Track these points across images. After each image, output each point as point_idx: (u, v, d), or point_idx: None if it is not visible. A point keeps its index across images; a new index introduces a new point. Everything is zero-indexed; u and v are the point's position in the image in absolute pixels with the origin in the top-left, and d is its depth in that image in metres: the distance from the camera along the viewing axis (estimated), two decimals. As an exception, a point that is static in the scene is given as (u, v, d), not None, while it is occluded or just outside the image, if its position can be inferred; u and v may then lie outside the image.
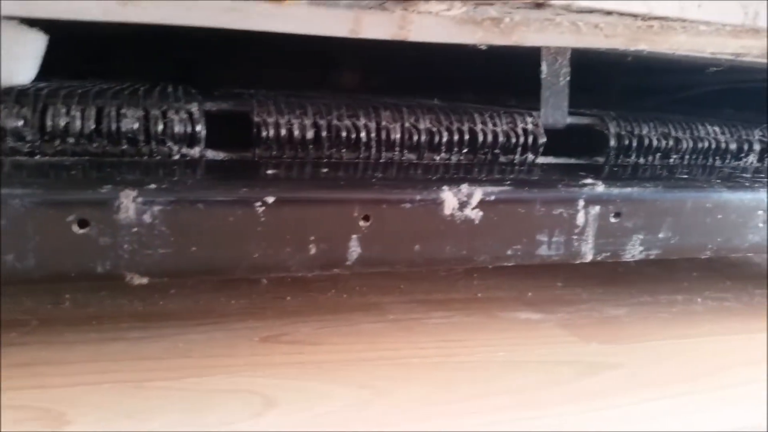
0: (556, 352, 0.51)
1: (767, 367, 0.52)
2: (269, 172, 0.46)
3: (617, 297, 0.66)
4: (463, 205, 0.47)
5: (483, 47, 0.47)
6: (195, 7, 0.41)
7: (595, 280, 0.71)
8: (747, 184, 0.56)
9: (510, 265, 0.50)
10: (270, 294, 0.59)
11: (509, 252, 0.49)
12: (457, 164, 0.56)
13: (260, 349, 0.48)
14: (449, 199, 0.46)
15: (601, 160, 0.62)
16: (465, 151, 0.57)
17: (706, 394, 0.46)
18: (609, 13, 0.49)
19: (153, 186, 0.41)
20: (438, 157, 0.56)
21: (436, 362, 0.48)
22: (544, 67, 0.58)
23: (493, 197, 0.48)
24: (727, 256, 0.57)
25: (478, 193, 0.47)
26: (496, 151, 0.58)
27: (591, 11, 0.48)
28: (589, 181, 0.51)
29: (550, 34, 0.47)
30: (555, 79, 0.59)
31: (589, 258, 0.52)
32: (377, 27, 0.44)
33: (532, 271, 0.71)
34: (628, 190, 0.51)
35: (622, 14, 0.49)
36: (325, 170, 0.48)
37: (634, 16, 0.50)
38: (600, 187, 0.51)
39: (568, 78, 0.59)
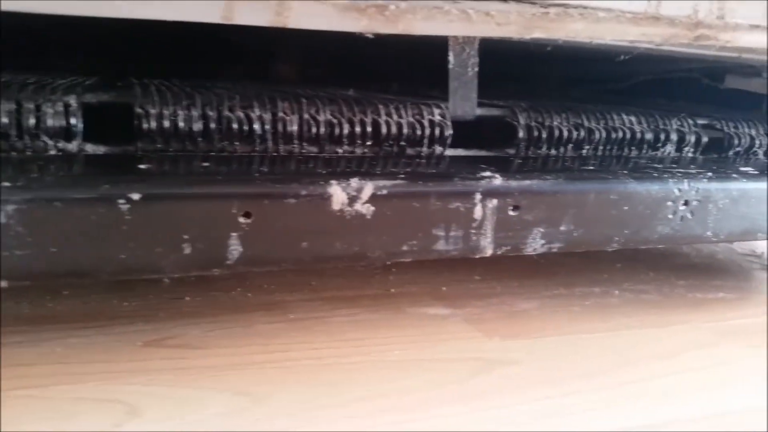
0: (455, 348, 0.50)
1: (676, 360, 0.52)
2: (142, 166, 0.43)
3: (532, 290, 0.65)
4: (352, 200, 0.45)
5: (370, 36, 0.45)
6: (51, -8, 0.39)
7: (513, 273, 0.69)
8: (655, 174, 0.55)
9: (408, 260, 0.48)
10: (168, 294, 0.57)
11: (405, 248, 0.48)
12: (360, 157, 0.54)
13: (140, 354, 0.46)
14: (337, 193, 0.44)
15: (512, 151, 0.61)
16: (369, 143, 0.55)
17: (602, 392, 0.45)
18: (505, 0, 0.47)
19: (8, 184, 0.38)
20: (341, 150, 0.54)
21: (327, 364, 0.46)
22: (451, 57, 0.56)
23: (385, 191, 0.46)
24: (637, 248, 0.55)
25: (369, 188, 0.45)
26: (402, 143, 0.56)
27: (486, -2, 0.47)
28: (487, 174, 0.49)
29: (439, 22, 0.46)
30: (463, 69, 0.57)
31: (489, 252, 0.50)
32: (252, 13, 0.42)
33: (450, 264, 0.70)
34: (527, 182, 0.50)
35: (520, 1, 0.48)
36: (206, 164, 0.46)
37: (532, 3, 0.48)
38: (498, 180, 0.49)
39: (476, 68, 0.57)
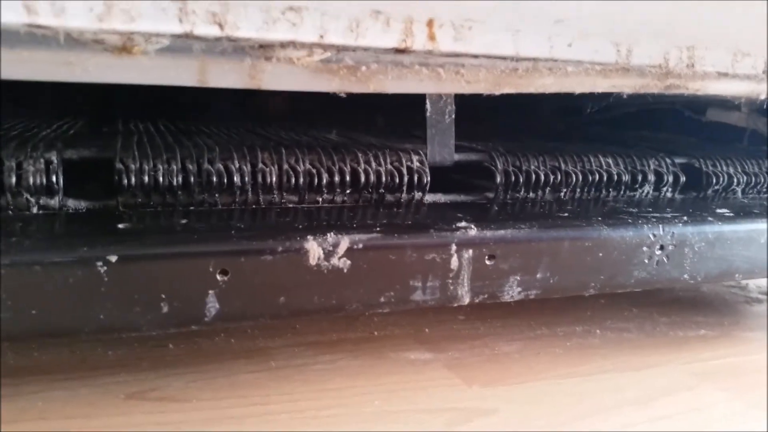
0: (433, 397, 0.51)
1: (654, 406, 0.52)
2: (121, 225, 0.44)
3: (515, 330, 0.66)
4: (329, 255, 0.46)
5: (343, 95, 0.46)
6: (29, 60, 0.40)
7: (497, 312, 0.70)
8: (630, 220, 0.56)
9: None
10: (152, 341, 0.57)
11: (382, 299, 0.49)
12: (338, 207, 0.55)
13: (122, 408, 0.46)
14: (314, 249, 0.45)
15: (491, 195, 0.61)
16: (349, 191, 0.56)
17: (578, 440, 0.46)
18: (476, 56, 0.48)
19: (-12, 248, 0.39)
20: (320, 199, 0.55)
21: (305, 417, 0.46)
22: (428, 106, 0.57)
23: (361, 245, 0.47)
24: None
25: (345, 242, 0.46)
26: (381, 190, 0.57)
27: (457, 55, 0.48)
28: (462, 224, 0.50)
29: (410, 81, 0.47)
30: (440, 117, 0.58)
31: (466, 301, 0.51)
32: (226, 76, 0.43)
33: (435, 304, 0.70)
34: (502, 232, 0.51)
35: (489, 57, 0.49)
36: (184, 221, 0.46)
37: (503, 58, 0.49)
38: (473, 231, 0.50)
39: (453, 116, 0.59)
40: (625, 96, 0.54)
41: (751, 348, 0.66)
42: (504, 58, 0.50)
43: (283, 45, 0.45)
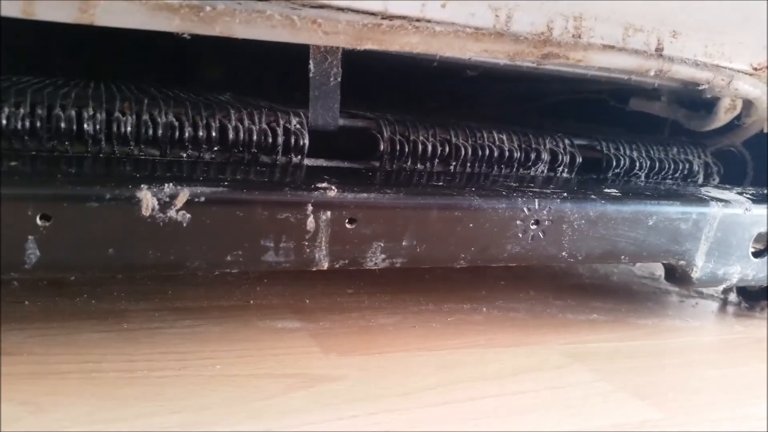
0: (282, 364, 0.49)
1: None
2: (-62, 165, 0.41)
3: (400, 304, 0.64)
4: (165, 206, 0.43)
5: (187, 36, 0.43)
6: None
7: (389, 287, 0.68)
8: (504, 192, 0.54)
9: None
10: (10, 297, 0.55)
11: (229, 258, 0.46)
12: (203, 162, 0.53)
13: (-56, 359, 0.44)
14: (147, 198, 0.43)
15: (377, 164, 0.60)
16: (217, 148, 0.54)
17: (419, 411, 0.44)
18: (341, 9, 0.46)
19: None
20: (185, 154, 0.53)
21: (134, 377, 0.44)
22: (311, 66, 0.55)
23: (203, 198, 0.44)
24: (488, 265, 0.55)
25: (185, 194, 0.44)
26: (254, 149, 0.55)
27: (321, 6, 0.46)
28: (322, 185, 0.48)
29: (260, 27, 0.44)
30: (325, 79, 0.56)
31: (325, 265, 0.49)
32: (54, 9, 0.40)
33: (329, 276, 0.69)
34: (364, 195, 0.49)
35: (356, 11, 0.47)
36: (13, 164, 0.44)
37: (371, 14, 0.47)
38: (332, 192, 0.48)
39: (339, 78, 0.56)
40: (501, 62, 0.52)
41: (639, 334, 0.66)
42: (372, 13, 0.48)
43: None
